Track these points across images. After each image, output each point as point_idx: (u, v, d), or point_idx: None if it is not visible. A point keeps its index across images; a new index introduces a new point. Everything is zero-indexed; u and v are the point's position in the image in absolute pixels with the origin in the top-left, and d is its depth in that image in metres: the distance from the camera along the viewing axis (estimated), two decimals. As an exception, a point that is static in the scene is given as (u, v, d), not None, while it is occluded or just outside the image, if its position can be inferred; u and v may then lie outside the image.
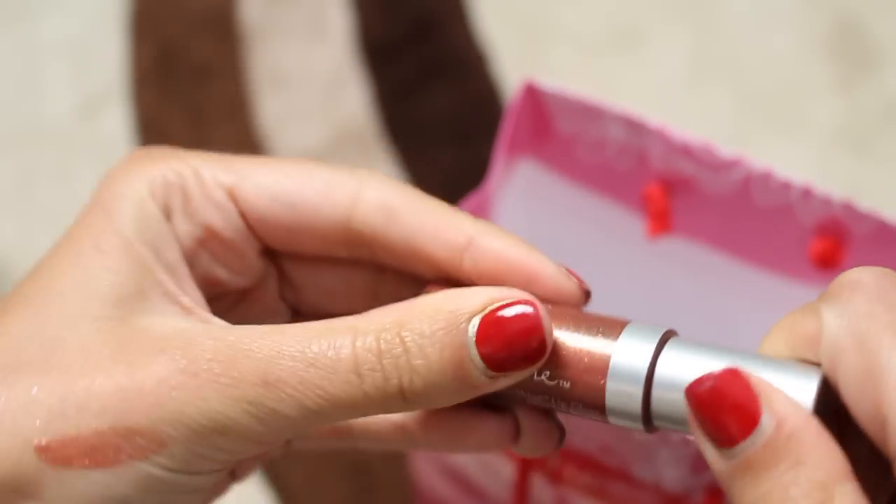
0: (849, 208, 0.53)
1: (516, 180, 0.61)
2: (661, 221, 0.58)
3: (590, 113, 0.58)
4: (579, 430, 0.52)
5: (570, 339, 0.32)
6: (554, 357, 0.33)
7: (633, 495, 0.53)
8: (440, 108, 0.90)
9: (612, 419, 0.33)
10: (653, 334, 0.32)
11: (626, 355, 0.32)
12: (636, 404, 0.32)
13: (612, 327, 0.32)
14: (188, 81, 0.92)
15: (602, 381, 0.32)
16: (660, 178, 0.58)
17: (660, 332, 0.32)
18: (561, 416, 0.52)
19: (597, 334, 0.32)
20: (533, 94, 0.58)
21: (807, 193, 0.54)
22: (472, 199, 0.58)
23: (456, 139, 0.88)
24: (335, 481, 0.76)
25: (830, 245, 0.54)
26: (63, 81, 0.93)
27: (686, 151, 0.56)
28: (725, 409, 0.29)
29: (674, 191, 0.58)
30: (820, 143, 0.88)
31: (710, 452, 0.30)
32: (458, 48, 0.93)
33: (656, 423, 0.32)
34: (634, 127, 0.57)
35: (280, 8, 0.95)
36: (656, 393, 0.31)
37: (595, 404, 0.32)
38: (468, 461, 0.60)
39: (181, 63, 0.93)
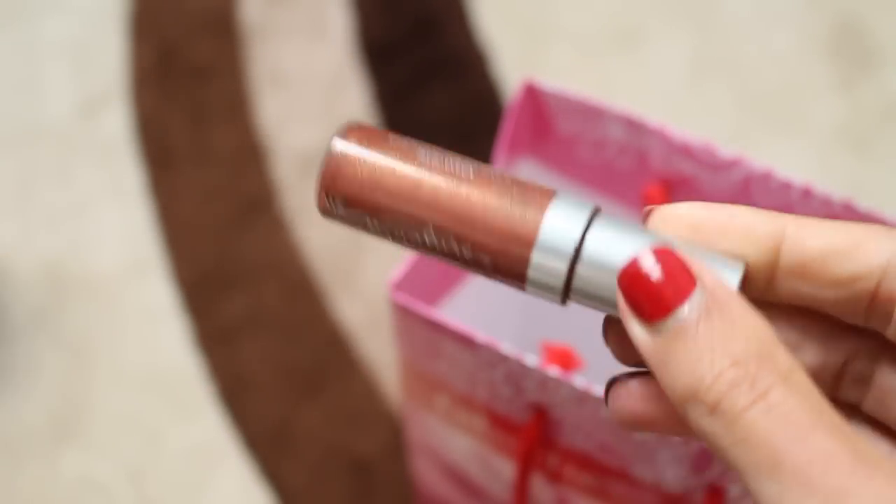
0: (849, 208, 0.53)
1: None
2: (661, 221, 0.58)
3: (590, 113, 0.58)
4: (579, 429, 0.52)
5: (499, 206, 0.32)
6: (481, 223, 0.32)
7: (633, 495, 0.53)
8: (440, 108, 0.90)
9: (529, 290, 0.32)
10: (582, 210, 0.32)
11: (554, 230, 0.31)
12: (559, 279, 0.31)
13: (540, 197, 0.32)
14: (188, 81, 0.92)
15: (528, 253, 0.31)
16: (660, 178, 0.58)
17: (589, 208, 0.32)
18: (561, 415, 0.52)
19: (526, 203, 0.32)
20: (533, 94, 0.58)
21: (807, 193, 0.54)
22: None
23: (456, 139, 0.88)
24: (335, 481, 0.76)
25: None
26: (63, 81, 0.93)
27: (686, 151, 0.56)
28: (659, 283, 0.29)
29: (674, 191, 0.58)
30: (820, 143, 0.88)
31: (638, 330, 0.30)
32: (458, 48, 0.93)
33: (573, 297, 0.32)
34: (634, 127, 0.57)
35: (280, 8, 0.95)
36: (580, 269, 0.31)
37: (517, 274, 0.32)
38: (468, 461, 0.60)
39: (181, 63, 0.93)
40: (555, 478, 0.55)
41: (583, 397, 0.50)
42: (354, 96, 0.91)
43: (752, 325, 0.29)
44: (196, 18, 0.95)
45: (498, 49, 0.92)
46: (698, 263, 0.30)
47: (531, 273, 0.32)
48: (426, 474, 0.66)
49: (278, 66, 0.92)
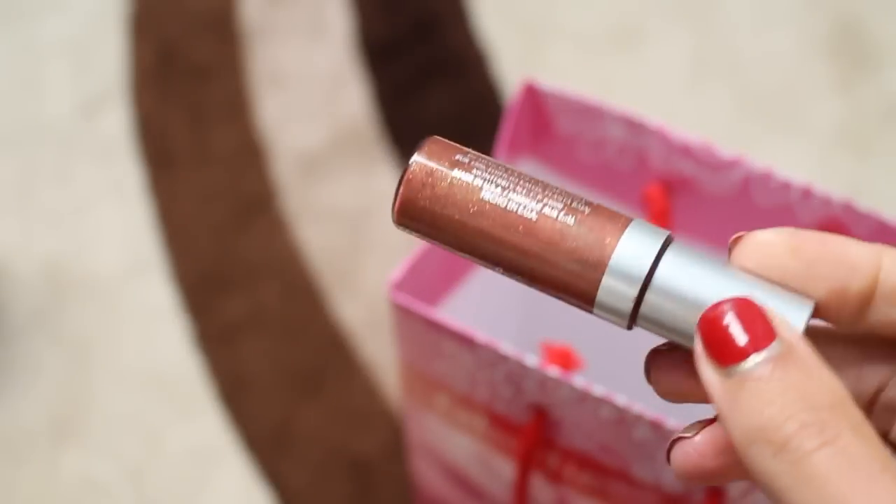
0: (849, 208, 0.53)
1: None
2: (661, 221, 0.58)
3: (590, 113, 0.58)
4: (579, 429, 0.52)
5: (573, 232, 0.32)
6: (553, 245, 0.32)
7: (633, 495, 0.53)
8: (440, 108, 0.90)
9: (596, 312, 0.33)
10: (656, 237, 0.32)
11: (627, 255, 0.32)
12: (628, 303, 0.32)
13: (615, 222, 0.32)
14: (188, 81, 0.92)
15: (599, 276, 0.32)
16: (660, 178, 0.58)
17: (663, 235, 0.32)
18: (561, 415, 0.52)
19: (601, 227, 0.32)
20: (533, 94, 0.58)
21: (807, 193, 0.54)
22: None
23: (456, 139, 0.88)
24: (335, 481, 0.76)
25: (830, 245, 0.54)
26: (63, 81, 0.93)
27: (686, 151, 0.56)
28: (738, 332, 0.30)
29: (674, 191, 0.58)
30: (820, 143, 0.88)
31: (709, 371, 0.31)
32: (458, 48, 0.93)
33: (640, 323, 0.33)
34: (634, 127, 0.57)
35: (280, 8, 0.95)
36: (650, 296, 0.32)
37: (586, 296, 0.33)
38: (468, 461, 0.60)
39: (181, 63, 0.93)
40: (555, 478, 0.55)
41: (583, 397, 0.50)
42: (354, 96, 0.91)
43: (826, 377, 0.30)
44: (196, 18, 0.95)
45: (498, 49, 0.92)
46: (778, 316, 0.31)
47: (601, 296, 0.32)
48: (426, 474, 0.66)
49: (278, 66, 0.92)
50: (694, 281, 0.32)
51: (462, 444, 0.59)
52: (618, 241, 0.32)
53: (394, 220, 0.34)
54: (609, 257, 0.32)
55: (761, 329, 0.30)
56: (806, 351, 0.30)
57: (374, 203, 0.86)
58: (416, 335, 0.54)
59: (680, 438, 0.33)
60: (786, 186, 0.54)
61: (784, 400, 0.29)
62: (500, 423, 0.55)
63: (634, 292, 0.32)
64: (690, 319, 0.32)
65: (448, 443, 0.60)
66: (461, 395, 0.55)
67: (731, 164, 0.55)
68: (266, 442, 0.77)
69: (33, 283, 0.83)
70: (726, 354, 0.30)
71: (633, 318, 0.33)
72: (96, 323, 0.82)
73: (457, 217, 0.34)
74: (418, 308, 0.52)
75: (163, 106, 0.91)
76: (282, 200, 0.86)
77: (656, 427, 0.49)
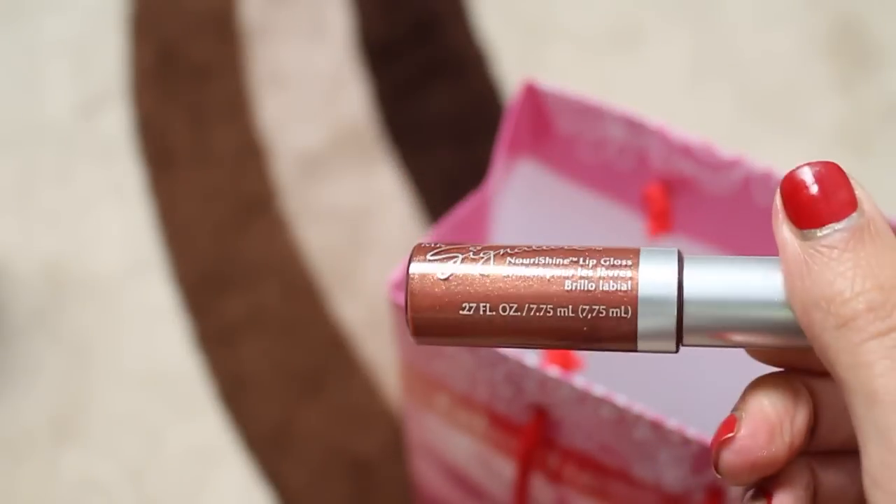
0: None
1: (516, 180, 0.61)
2: (661, 221, 0.58)
3: (590, 113, 0.58)
4: (579, 429, 0.52)
5: (589, 279, 0.32)
6: (580, 298, 0.32)
7: (633, 495, 0.53)
8: (440, 109, 0.90)
9: (641, 348, 0.33)
10: (669, 257, 0.32)
11: (651, 285, 0.32)
12: (670, 328, 0.32)
13: (625, 257, 0.33)
14: (188, 81, 0.92)
15: (633, 314, 0.32)
16: (660, 178, 0.58)
17: (674, 253, 0.33)
18: (561, 415, 0.52)
19: (614, 268, 0.32)
20: (533, 94, 0.58)
21: (807, 193, 0.54)
22: (472, 199, 0.58)
23: (456, 139, 0.88)
24: (335, 481, 0.76)
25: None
26: (63, 81, 0.93)
27: (686, 151, 0.56)
28: (821, 194, 0.30)
29: (674, 191, 0.58)
30: (820, 143, 0.88)
31: (787, 233, 0.30)
32: (458, 48, 0.93)
33: (687, 342, 0.33)
34: (634, 127, 0.57)
35: (280, 8, 0.95)
36: (690, 311, 0.32)
37: (628, 336, 0.33)
38: (468, 461, 0.60)
39: (181, 63, 0.93)
40: (555, 478, 0.55)
41: (583, 397, 0.50)
42: (354, 96, 0.91)
43: None
44: (196, 18, 0.95)
45: (498, 49, 0.92)
46: (862, 189, 0.31)
47: (641, 332, 0.32)
48: (426, 474, 0.66)
49: (278, 66, 0.92)
50: (722, 283, 0.32)
51: (462, 444, 0.59)
52: (637, 275, 0.32)
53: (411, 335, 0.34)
54: (636, 295, 0.32)
55: (844, 197, 0.30)
56: (884, 228, 0.30)
57: (374, 203, 0.86)
58: (416, 335, 0.54)
59: (725, 441, 0.32)
60: (786, 186, 0.54)
61: (855, 274, 0.29)
62: (500, 423, 0.55)
63: (672, 320, 0.32)
64: (734, 319, 0.32)
65: (448, 443, 0.60)
66: (461, 395, 0.55)
67: (731, 164, 0.55)
68: (266, 442, 0.77)
69: (33, 283, 0.83)
70: (806, 217, 0.30)
71: (679, 340, 0.33)
72: (96, 323, 0.82)
73: (467, 321, 0.33)
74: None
75: (163, 106, 0.91)
76: (282, 200, 0.86)
77: (656, 427, 0.49)
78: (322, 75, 0.92)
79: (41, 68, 0.93)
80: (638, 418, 0.49)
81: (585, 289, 0.32)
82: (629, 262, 0.32)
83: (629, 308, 0.32)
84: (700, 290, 0.32)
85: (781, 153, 0.87)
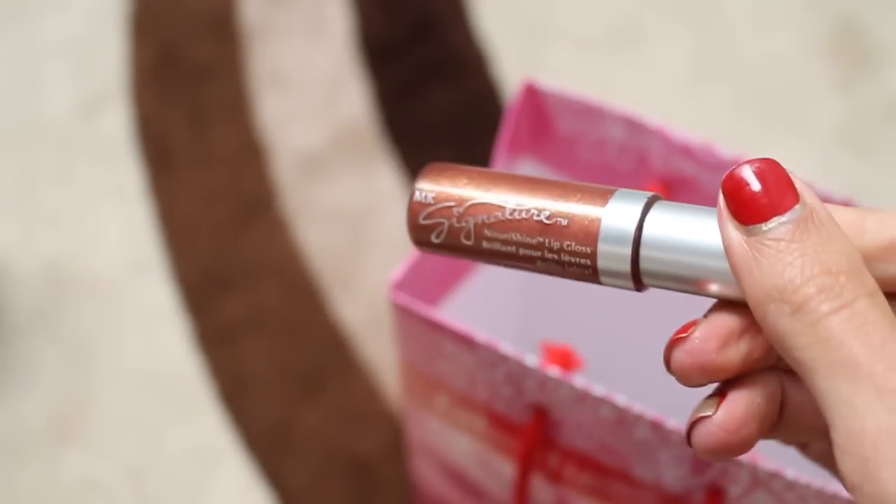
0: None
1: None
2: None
3: (590, 113, 0.58)
4: (579, 429, 0.52)
5: (564, 207, 0.34)
6: (550, 226, 0.34)
7: (633, 495, 0.53)
8: (440, 108, 0.90)
9: (604, 281, 0.35)
10: (639, 198, 0.34)
11: (614, 218, 0.34)
12: (626, 264, 0.34)
13: (600, 194, 0.34)
14: (188, 81, 0.92)
15: (594, 245, 0.34)
16: (660, 178, 0.58)
17: (646, 196, 0.34)
18: (561, 415, 0.52)
19: (586, 202, 0.34)
20: (533, 94, 0.58)
21: (807, 193, 0.54)
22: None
23: (456, 139, 0.88)
24: (335, 481, 0.76)
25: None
26: (63, 81, 0.93)
27: (686, 151, 0.56)
28: (763, 190, 0.31)
29: (674, 191, 0.58)
30: (820, 143, 0.88)
31: (732, 231, 0.31)
32: (458, 48, 0.93)
33: (647, 281, 0.34)
34: (634, 127, 0.57)
35: (280, 8, 0.95)
36: (645, 252, 0.33)
37: (591, 269, 0.34)
38: (468, 461, 0.60)
39: (181, 63, 0.93)
40: (555, 478, 0.55)
41: (583, 397, 0.50)
42: (354, 96, 0.91)
43: (844, 243, 0.31)
44: (196, 18, 0.95)
45: (498, 49, 0.92)
46: (801, 181, 0.31)
47: (600, 264, 0.34)
48: (426, 474, 0.66)
49: (278, 66, 0.92)
50: (685, 229, 0.33)
51: (462, 444, 0.59)
52: (604, 209, 0.34)
53: (412, 241, 0.37)
54: (599, 227, 0.34)
55: (785, 191, 0.31)
56: (827, 217, 0.31)
57: (374, 203, 0.86)
58: (416, 335, 0.54)
59: (700, 419, 0.33)
60: (786, 186, 0.54)
61: (804, 262, 0.30)
62: (500, 423, 0.55)
63: (628, 251, 0.33)
64: (693, 265, 0.33)
65: (448, 443, 0.60)
66: (461, 395, 0.55)
67: (731, 164, 0.55)
68: (266, 442, 0.77)
69: (33, 283, 0.83)
70: (749, 213, 0.31)
71: (638, 278, 0.34)
72: (96, 323, 0.82)
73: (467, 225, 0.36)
74: (418, 308, 0.52)
75: (163, 106, 0.91)
76: (282, 200, 0.86)
77: (656, 427, 0.49)
78: (322, 75, 0.92)
79: (41, 68, 0.93)
80: (638, 418, 0.49)
81: (558, 223, 0.35)
82: (602, 201, 0.34)
83: (592, 235, 0.34)
84: (660, 230, 0.33)
85: (781, 153, 0.87)
